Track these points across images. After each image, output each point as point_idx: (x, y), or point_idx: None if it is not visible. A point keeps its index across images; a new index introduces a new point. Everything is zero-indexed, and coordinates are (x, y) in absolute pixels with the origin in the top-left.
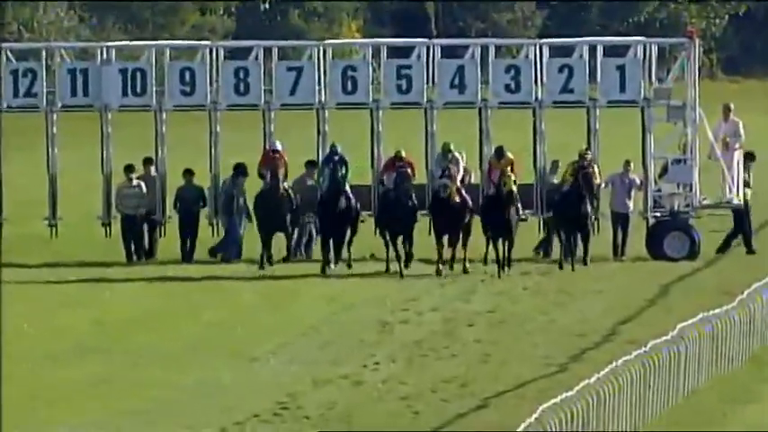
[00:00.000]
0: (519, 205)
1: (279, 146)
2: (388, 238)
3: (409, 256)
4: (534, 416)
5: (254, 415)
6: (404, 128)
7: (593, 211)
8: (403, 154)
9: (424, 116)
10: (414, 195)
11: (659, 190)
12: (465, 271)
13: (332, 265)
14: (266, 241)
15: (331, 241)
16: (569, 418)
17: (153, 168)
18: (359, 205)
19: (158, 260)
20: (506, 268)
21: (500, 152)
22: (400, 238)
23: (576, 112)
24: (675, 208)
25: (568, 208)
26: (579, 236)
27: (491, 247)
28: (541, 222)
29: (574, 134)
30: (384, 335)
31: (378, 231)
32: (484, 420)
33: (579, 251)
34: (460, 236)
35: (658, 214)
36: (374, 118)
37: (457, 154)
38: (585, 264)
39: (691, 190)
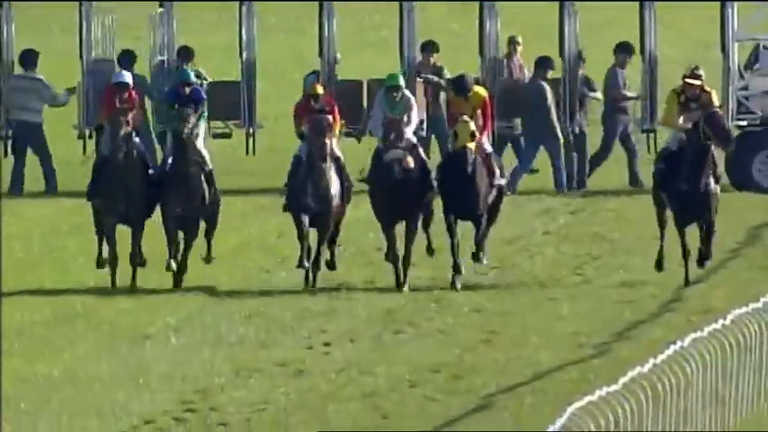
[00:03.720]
0: (495, 166)
1: (127, 77)
2: (300, 224)
3: (331, 257)
4: (560, 420)
5: (146, 421)
6: (353, 19)
7: (717, 183)
8: (320, 90)
9: None
10: (340, 158)
11: (746, 87)
12: (430, 251)
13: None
14: (109, 235)
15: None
16: (612, 423)
17: None
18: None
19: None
20: (481, 259)
21: (462, 84)
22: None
23: None
24: None
25: (679, 177)
26: (697, 222)
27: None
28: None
29: (616, 6)
30: (339, 302)
31: (293, 216)
32: (486, 427)
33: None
34: (420, 220)
35: (744, 123)
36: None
37: (408, 93)
38: (702, 265)
39: None
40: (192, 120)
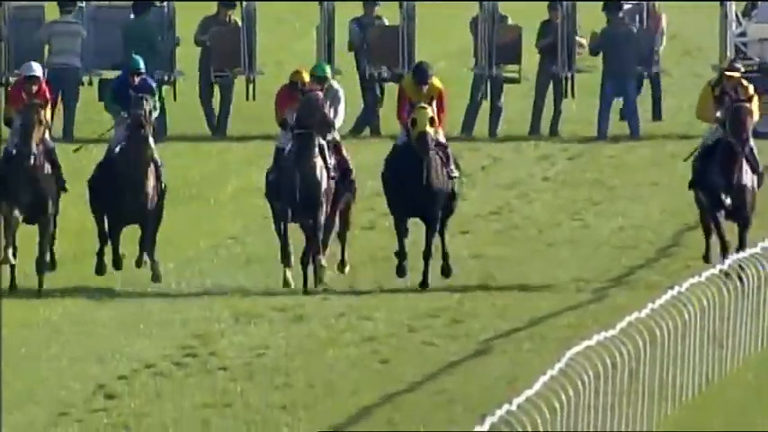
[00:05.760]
0: (450, 158)
1: (37, 70)
2: (282, 226)
3: (316, 251)
4: (558, 365)
5: (147, 365)
6: None
7: (759, 177)
8: (306, 78)
9: None
10: (323, 146)
11: (743, 34)
12: (342, 269)
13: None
14: (9, 236)
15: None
16: (610, 367)
17: None
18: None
19: None
20: (449, 268)
21: (422, 73)
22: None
23: None
24: None
25: (713, 171)
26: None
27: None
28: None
29: None
30: (338, 247)
31: (273, 217)
32: (484, 371)
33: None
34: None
35: (742, 70)
36: None
37: (336, 84)
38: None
39: None
40: (147, 107)
